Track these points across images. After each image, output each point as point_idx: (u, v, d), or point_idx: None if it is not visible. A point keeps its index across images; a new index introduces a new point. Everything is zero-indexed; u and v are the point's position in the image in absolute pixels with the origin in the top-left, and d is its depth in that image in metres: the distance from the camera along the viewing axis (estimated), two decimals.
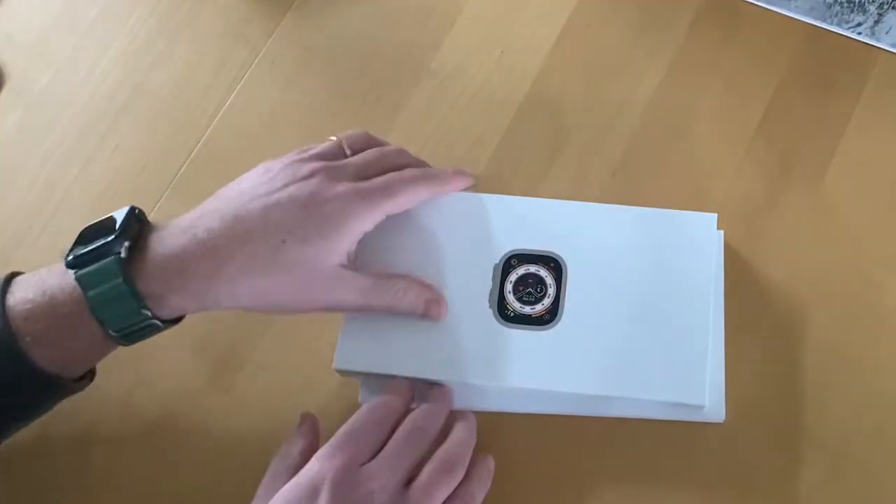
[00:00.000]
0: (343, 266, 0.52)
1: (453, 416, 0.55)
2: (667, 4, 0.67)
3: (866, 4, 0.66)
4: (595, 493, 0.56)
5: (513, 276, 0.57)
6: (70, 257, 0.49)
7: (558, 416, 0.57)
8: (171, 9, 0.71)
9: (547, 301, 0.56)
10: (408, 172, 0.56)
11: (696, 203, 0.62)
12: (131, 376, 0.60)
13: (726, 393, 0.56)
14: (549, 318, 0.56)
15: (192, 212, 0.52)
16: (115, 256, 0.48)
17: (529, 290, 0.56)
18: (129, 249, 0.49)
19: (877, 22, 0.65)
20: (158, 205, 0.65)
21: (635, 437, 0.57)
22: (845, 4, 0.66)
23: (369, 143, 0.58)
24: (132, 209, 0.51)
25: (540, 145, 0.65)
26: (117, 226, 0.49)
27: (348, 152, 0.56)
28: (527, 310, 0.56)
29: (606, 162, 0.64)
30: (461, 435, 0.53)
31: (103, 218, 0.51)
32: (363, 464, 0.49)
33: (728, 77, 0.65)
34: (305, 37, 0.70)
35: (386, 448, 0.50)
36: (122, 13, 0.71)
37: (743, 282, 0.60)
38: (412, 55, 0.68)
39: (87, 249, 0.49)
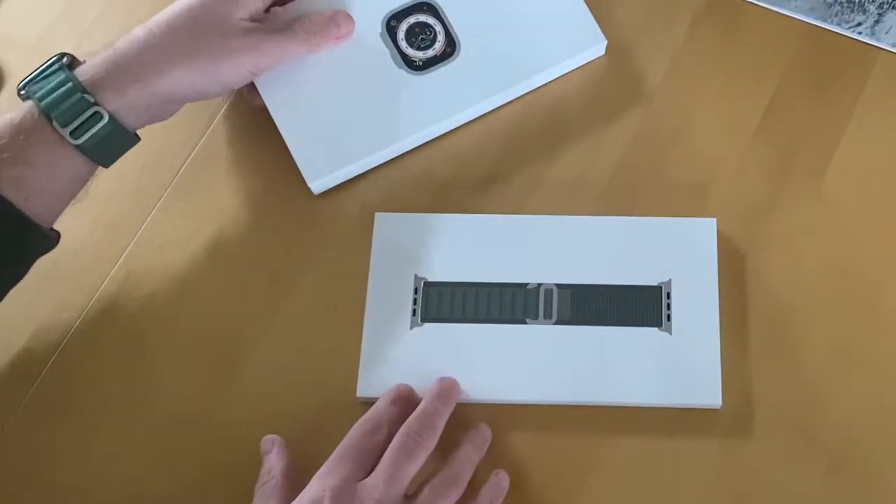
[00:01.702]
0: (250, 23, 0.59)
1: (468, 413, 0.56)
2: (667, 4, 0.67)
3: (866, 4, 0.66)
4: (593, 483, 0.56)
5: (400, 34, 0.64)
6: (20, 91, 0.56)
7: (556, 406, 0.57)
8: None
9: (441, 38, 0.63)
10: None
11: (695, 203, 0.62)
12: (131, 376, 0.60)
13: (724, 384, 0.56)
14: (449, 51, 0.63)
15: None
16: (58, 64, 0.55)
17: (422, 36, 0.63)
18: (70, 63, 0.56)
19: (877, 22, 0.65)
20: (158, 205, 0.65)
21: (634, 424, 0.57)
22: (845, 4, 0.66)
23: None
24: (61, 54, 0.57)
25: (540, 146, 0.65)
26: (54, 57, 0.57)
27: None
28: (429, 53, 0.63)
29: (606, 162, 0.64)
30: (467, 453, 0.54)
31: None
32: (362, 479, 0.50)
33: (728, 77, 0.65)
34: None
35: (381, 461, 0.51)
36: (122, 13, 0.71)
37: (742, 281, 0.60)
38: None
39: (31, 76, 0.56)
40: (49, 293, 0.62)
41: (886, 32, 0.65)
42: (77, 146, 0.54)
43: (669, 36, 0.67)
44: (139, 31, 0.57)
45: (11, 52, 0.70)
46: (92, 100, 0.54)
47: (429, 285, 0.59)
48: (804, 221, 0.61)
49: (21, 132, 0.53)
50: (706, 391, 0.56)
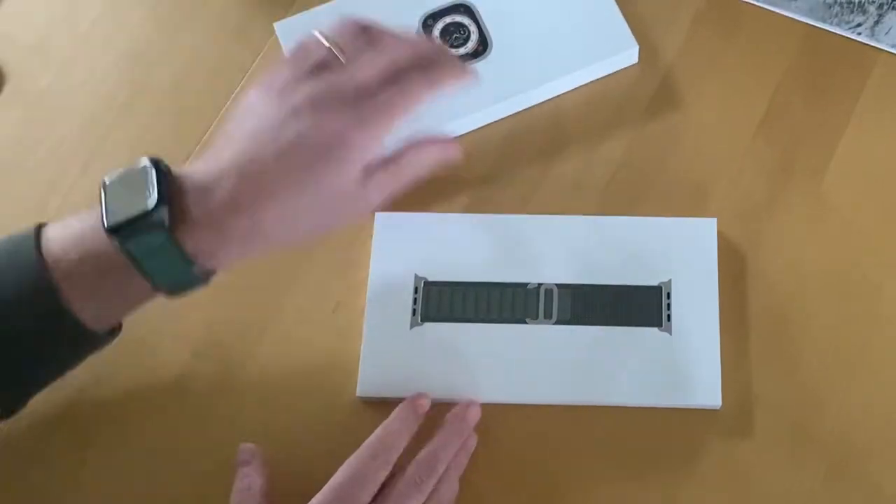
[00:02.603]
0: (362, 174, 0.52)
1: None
2: (667, 4, 0.68)
3: (866, 5, 0.66)
4: (593, 483, 0.56)
5: (436, 32, 0.66)
6: (109, 223, 0.49)
7: (555, 406, 0.57)
8: (171, 9, 0.71)
9: (474, 37, 0.65)
10: (408, 81, 0.53)
11: (695, 203, 0.62)
12: (130, 377, 0.60)
13: (724, 384, 0.56)
14: (481, 49, 0.65)
15: (208, 161, 0.51)
16: (161, 227, 0.48)
17: (455, 35, 0.65)
18: (170, 217, 0.49)
19: (877, 22, 0.65)
20: None
21: (634, 425, 0.57)
22: (845, 5, 0.66)
23: (361, 36, 0.55)
24: (157, 164, 0.51)
25: (540, 146, 0.65)
26: (151, 188, 0.49)
27: (342, 58, 0.54)
28: (461, 50, 0.64)
29: (606, 162, 0.64)
30: (443, 440, 0.55)
31: (128, 169, 0.51)
32: None
33: (728, 77, 0.65)
34: None
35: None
36: (122, 13, 0.71)
37: (742, 281, 0.60)
38: None
39: (126, 219, 0.48)
40: None
41: (886, 33, 0.65)
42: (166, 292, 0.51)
43: (669, 36, 0.67)
44: (235, 189, 0.50)
45: (11, 52, 0.70)
46: (201, 278, 0.51)
47: (429, 285, 0.59)
48: (804, 221, 0.61)
49: (103, 272, 0.49)
50: (706, 391, 0.56)
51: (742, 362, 0.58)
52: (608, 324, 0.58)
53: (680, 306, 0.57)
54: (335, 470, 0.52)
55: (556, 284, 0.59)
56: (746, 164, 0.63)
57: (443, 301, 0.59)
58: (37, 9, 0.72)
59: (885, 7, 0.66)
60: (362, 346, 0.58)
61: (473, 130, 0.65)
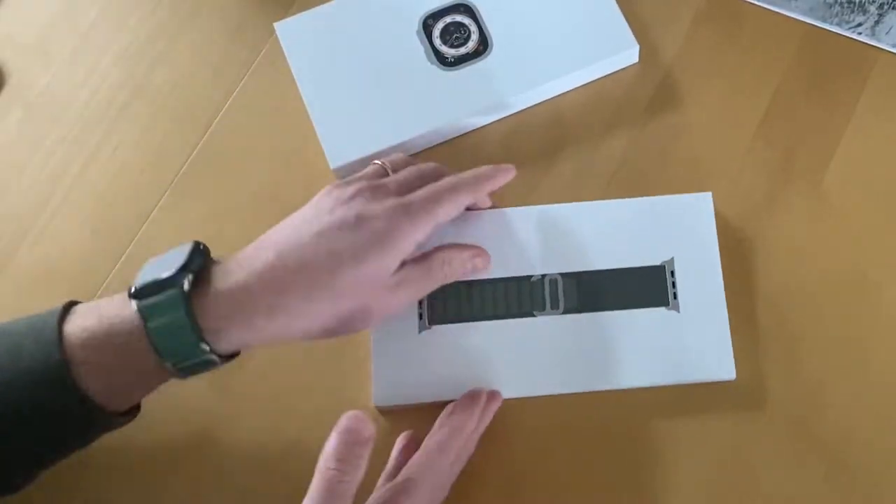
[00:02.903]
0: (397, 273, 0.53)
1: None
2: (667, 4, 0.68)
3: (866, 4, 0.66)
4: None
5: (436, 32, 0.65)
6: (133, 288, 0.49)
7: (571, 395, 0.57)
8: (171, 9, 0.71)
9: (474, 37, 0.65)
10: (447, 181, 0.56)
11: None
12: None
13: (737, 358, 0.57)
14: (481, 49, 0.65)
15: (250, 246, 0.52)
16: (178, 290, 0.48)
17: (456, 34, 0.65)
18: (192, 283, 0.48)
19: (877, 22, 0.65)
20: (159, 205, 0.65)
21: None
22: (845, 4, 0.66)
23: (409, 164, 0.58)
24: (196, 244, 0.51)
25: (540, 146, 0.65)
26: (183, 259, 0.49)
27: (390, 172, 0.57)
28: (462, 50, 0.65)
29: (606, 162, 0.64)
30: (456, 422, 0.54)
31: (169, 252, 0.51)
32: None
33: (728, 77, 0.65)
34: None
35: None
36: (122, 13, 0.71)
37: (742, 281, 0.60)
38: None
39: (150, 280, 0.48)
40: (49, 293, 0.62)
41: (887, 33, 0.65)
42: (173, 371, 0.49)
43: (669, 36, 0.67)
44: (268, 263, 0.50)
45: (11, 52, 0.70)
46: (208, 349, 0.48)
47: None
48: (804, 221, 0.61)
49: (120, 349, 0.48)
50: (720, 365, 0.56)
51: (741, 361, 0.58)
52: (616, 308, 0.58)
53: (685, 283, 0.58)
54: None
55: (560, 274, 0.59)
56: (746, 164, 0.63)
57: (448, 302, 0.58)
58: (37, 9, 0.72)
59: (886, 7, 0.66)
60: (372, 357, 0.58)
61: (473, 130, 0.65)
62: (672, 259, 0.58)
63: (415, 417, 0.57)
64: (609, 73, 0.66)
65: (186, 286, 0.48)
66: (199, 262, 0.50)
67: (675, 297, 0.58)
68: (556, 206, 0.61)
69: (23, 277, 0.63)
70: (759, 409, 0.57)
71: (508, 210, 0.60)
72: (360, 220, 0.51)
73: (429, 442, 0.53)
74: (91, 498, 0.58)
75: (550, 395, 0.57)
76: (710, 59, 0.66)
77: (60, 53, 0.70)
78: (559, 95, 0.66)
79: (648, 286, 0.58)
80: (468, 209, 0.59)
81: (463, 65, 0.65)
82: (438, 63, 0.65)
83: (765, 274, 0.60)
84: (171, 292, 0.48)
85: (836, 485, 0.55)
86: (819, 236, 0.61)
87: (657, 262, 0.58)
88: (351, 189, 0.53)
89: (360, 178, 0.55)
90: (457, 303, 0.58)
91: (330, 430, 0.58)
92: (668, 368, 0.57)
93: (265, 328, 0.49)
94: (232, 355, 0.51)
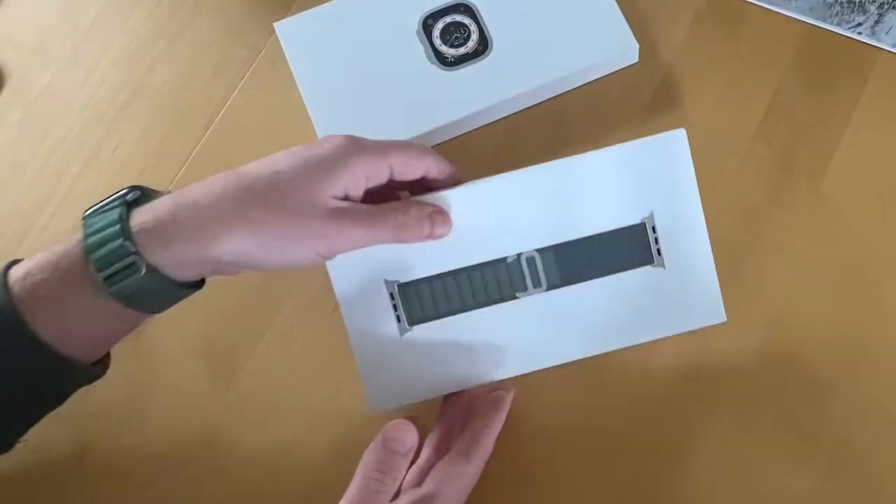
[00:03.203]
0: (341, 201, 0.50)
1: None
2: (667, 4, 0.67)
3: (866, 4, 0.66)
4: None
5: (436, 32, 0.65)
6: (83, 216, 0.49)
7: (570, 365, 0.56)
8: (171, 9, 0.71)
9: (474, 36, 0.65)
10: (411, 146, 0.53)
11: None
12: (132, 376, 0.60)
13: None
14: (482, 49, 0.65)
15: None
16: (121, 200, 0.49)
17: (456, 34, 0.65)
18: (137, 199, 0.49)
19: (877, 22, 0.65)
20: None
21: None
22: (845, 4, 0.66)
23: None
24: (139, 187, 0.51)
25: (540, 146, 0.65)
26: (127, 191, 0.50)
27: None
28: (462, 50, 0.65)
29: None
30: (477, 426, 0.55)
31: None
32: None
33: (728, 77, 0.65)
34: None
35: None
36: (122, 13, 0.71)
37: (742, 282, 0.60)
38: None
39: (92, 210, 0.49)
40: None
41: (887, 32, 0.65)
42: (113, 293, 0.47)
43: (669, 35, 0.67)
44: (215, 181, 0.49)
45: (11, 52, 0.70)
46: (132, 248, 0.47)
47: (403, 287, 0.55)
48: (804, 221, 0.61)
49: (60, 270, 0.47)
50: (710, 311, 0.55)
51: (741, 361, 0.58)
52: (600, 276, 0.55)
53: (668, 236, 0.55)
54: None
55: (536, 250, 0.55)
56: (746, 164, 0.63)
57: (424, 300, 0.55)
58: (37, 9, 0.72)
59: (886, 6, 0.66)
60: (358, 367, 0.55)
61: (473, 130, 0.65)
62: (651, 214, 0.55)
63: (417, 412, 0.56)
64: (609, 72, 0.66)
65: (130, 197, 0.49)
66: (147, 190, 0.50)
67: (658, 253, 0.55)
68: (517, 172, 0.55)
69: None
70: (758, 408, 0.57)
71: (466, 187, 0.54)
72: (307, 146, 0.50)
73: (455, 451, 0.53)
74: (90, 498, 0.58)
75: (549, 376, 0.56)
76: (709, 59, 0.66)
77: (60, 53, 0.70)
78: (559, 95, 0.66)
79: (630, 247, 0.55)
80: (429, 189, 0.55)
81: (463, 65, 0.65)
82: (438, 63, 0.65)
83: (763, 275, 0.60)
84: (113, 205, 0.48)
85: (836, 485, 0.55)
86: (819, 236, 0.61)
87: (637, 220, 0.55)
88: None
89: None
90: (432, 299, 0.55)
91: (330, 429, 0.58)
92: (660, 323, 0.55)
93: (199, 239, 0.48)
94: (195, 284, 0.50)
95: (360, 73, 0.65)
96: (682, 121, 0.64)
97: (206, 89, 0.68)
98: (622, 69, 0.66)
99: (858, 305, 0.59)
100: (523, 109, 0.66)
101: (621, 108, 0.65)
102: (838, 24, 0.66)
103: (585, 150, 0.64)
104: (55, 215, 0.65)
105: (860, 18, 0.66)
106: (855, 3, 0.66)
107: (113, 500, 0.58)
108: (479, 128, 0.65)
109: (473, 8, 0.67)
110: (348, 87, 0.65)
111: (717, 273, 0.59)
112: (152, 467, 0.58)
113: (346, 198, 0.50)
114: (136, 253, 0.47)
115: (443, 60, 0.65)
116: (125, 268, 0.47)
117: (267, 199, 0.48)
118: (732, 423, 0.57)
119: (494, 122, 0.65)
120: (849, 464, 0.56)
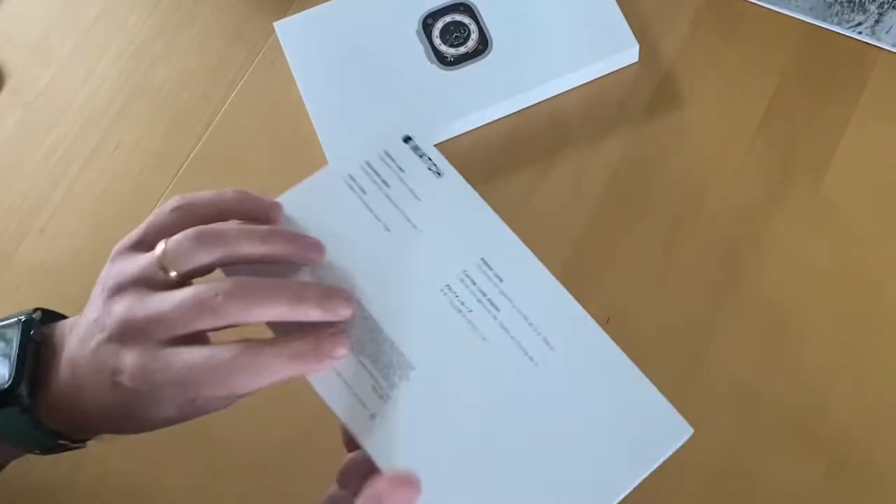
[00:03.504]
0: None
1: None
2: (667, 4, 0.67)
3: (866, 4, 0.66)
4: None
5: (436, 31, 0.66)
6: None
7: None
8: (170, 9, 0.71)
9: (474, 36, 0.65)
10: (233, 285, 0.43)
11: (695, 202, 0.62)
12: None
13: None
14: (481, 48, 0.65)
15: (67, 348, 0.45)
16: (20, 407, 0.43)
17: (455, 34, 0.65)
18: (30, 393, 0.44)
19: (877, 22, 0.65)
20: (158, 205, 0.65)
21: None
22: (845, 4, 0.66)
23: (205, 208, 0.48)
24: (27, 328, 0.45)
25: (540, 146, 0.65)
26: (13, 357, 0.44)
27: (172, 274, 0.44)
28: (462, 49, 0.65)
29: (606, 161, 0.64)
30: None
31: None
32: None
33: (728, 77, 0.65)
34: None
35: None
36: (122, 13, 0.71)
37: (742, 282, 0.60)
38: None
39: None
40: (51, 294, 0.62)
41: (887, 32, 0.65)
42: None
43: (669, 35, 0.67)
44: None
45: (11, 52, 0.70)
46: (65, 441, 0.46)
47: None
48: (804, 221, 0.61)
49: None
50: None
51: (742, 362, 0.57)
52: None
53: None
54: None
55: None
56: (746, 164, 0.63)
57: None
58: (37, 9, 0.72)
59: (886, 6, 0.66)
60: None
61: (473, 130, 0.65)
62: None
63: None
64: (609, 72, 0.66)
65: (26, 401, 0.43)
66: (32, 359, 0.44)
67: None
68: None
69: (22, 277, 0.63)
70: (758, 409, 0.57)
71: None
72: (118, 376, 0.43)
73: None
74: (90, 498, 0.58)
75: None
76: (709, 59, 0.66)
77: (60, 53, 0.70)
78: (559, 95, 0.66)
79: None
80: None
81: (463, 64, 0.65)
82: (438, 62, 0.65)
83: (763, 275, 0.60)
84: (12, 410, 0.43)
85: (835, 484, 0.55)
86: (819, 236, 0.61)
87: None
88: (112, 322, 0.42)
89: (132, 279, 0.44)
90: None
91: (330, 429, 0.58)
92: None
93: (91, 430, 0.47)
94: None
95: (359, 73, 0.65)
96: (682, 121, 0.64)
97: (206, 89, 0.68)
98: (622, 69, 0.66)
99: (859, 305, 0.59)
100: (523, 109, 0.66)
101: (621, 108, 0.65)
102: (838, 24, 0.66)
103: (585, 149, 0.64)
104: (55, 215, 0.65)
105: (860, 18, 0.66)
106: (855, 2, 0.66)
107: (112, 495, 0.58)
108: (479, 128, 0.65)
109: (473, 7, 0.67)
110: (348, 86, 0.65)
111: (717, 273, 0.59)
112: (152, 467, 0.58)
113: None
114: (67, 440, 0.46)
115: (443, 60, 0.65)
116: (60, 449, 0.46)
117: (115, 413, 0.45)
118: (732, 424, 0.57)
119: (494, 121, 0.65)
120: (849, 462, 0.56)
